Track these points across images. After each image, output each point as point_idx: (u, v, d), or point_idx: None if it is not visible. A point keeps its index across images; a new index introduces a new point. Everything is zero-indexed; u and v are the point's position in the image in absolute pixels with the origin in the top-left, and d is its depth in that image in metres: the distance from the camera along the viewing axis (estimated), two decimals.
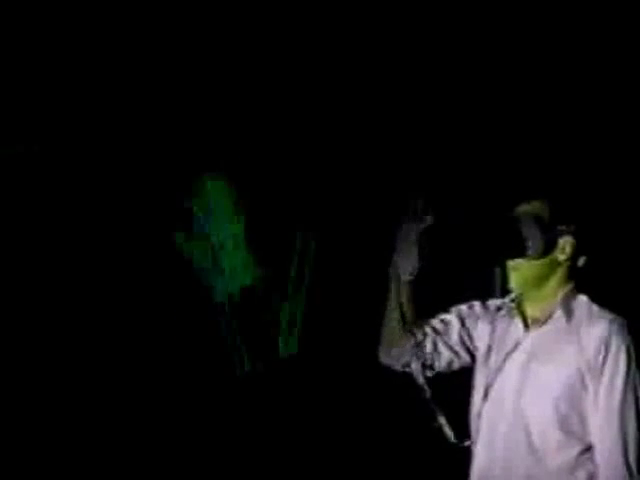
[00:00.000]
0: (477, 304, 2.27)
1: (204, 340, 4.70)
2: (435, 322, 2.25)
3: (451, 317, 2.26)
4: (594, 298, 2.09)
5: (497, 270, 2.16)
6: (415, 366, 2.19)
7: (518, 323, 2.11)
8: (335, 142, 4.61)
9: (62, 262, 4.64)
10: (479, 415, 2.11)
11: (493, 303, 2.23)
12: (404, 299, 2.17)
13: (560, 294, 2.07)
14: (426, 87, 4.37)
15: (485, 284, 2.23)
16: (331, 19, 4.42)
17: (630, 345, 1.97)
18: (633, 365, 1.96)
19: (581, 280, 2.10)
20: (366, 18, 4.38)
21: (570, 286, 2.08)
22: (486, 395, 2.11)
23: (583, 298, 2.08)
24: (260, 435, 4.44)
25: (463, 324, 2.24)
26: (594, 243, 2.09)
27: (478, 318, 2.23)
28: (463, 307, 2.27)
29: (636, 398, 1.95)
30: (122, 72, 4.54)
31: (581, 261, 2.09)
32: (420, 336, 2.20)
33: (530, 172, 3.96)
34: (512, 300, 2.16)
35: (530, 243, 2.04)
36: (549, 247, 2.05)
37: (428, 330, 2.22)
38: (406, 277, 2.13)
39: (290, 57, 4.56)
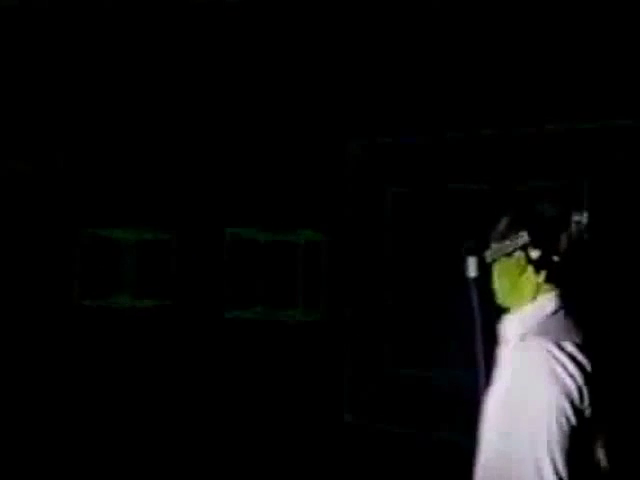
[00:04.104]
0: None
1: None
2: None
3: None
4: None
5: (474, 291, 2.11)
6: None
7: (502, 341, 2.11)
8: None
9: None
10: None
11: None
12: None
13: (527, 311, 2.02)
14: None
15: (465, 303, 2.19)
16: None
17: (543, 375, 1.87)
18: (542, 397, 1.87)
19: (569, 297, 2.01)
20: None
21: (537, 304, 2.01)
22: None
23: (542, 319, 1.99)
24: None
25: None
26: (547, 256, 1.99)
27: None
28: None
29: (549, 430, 1.86)
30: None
31: (540, 276, 2.00)
32: None
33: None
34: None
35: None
36: (482, 265, 2.07)
37: None
38: None
39: None
